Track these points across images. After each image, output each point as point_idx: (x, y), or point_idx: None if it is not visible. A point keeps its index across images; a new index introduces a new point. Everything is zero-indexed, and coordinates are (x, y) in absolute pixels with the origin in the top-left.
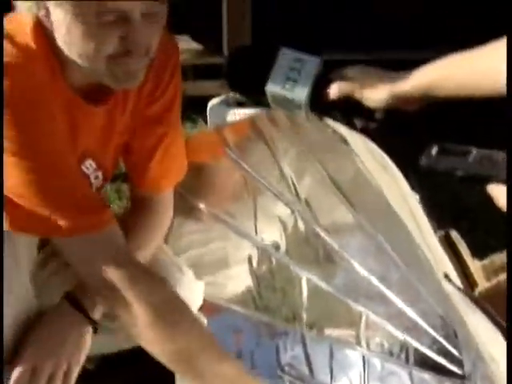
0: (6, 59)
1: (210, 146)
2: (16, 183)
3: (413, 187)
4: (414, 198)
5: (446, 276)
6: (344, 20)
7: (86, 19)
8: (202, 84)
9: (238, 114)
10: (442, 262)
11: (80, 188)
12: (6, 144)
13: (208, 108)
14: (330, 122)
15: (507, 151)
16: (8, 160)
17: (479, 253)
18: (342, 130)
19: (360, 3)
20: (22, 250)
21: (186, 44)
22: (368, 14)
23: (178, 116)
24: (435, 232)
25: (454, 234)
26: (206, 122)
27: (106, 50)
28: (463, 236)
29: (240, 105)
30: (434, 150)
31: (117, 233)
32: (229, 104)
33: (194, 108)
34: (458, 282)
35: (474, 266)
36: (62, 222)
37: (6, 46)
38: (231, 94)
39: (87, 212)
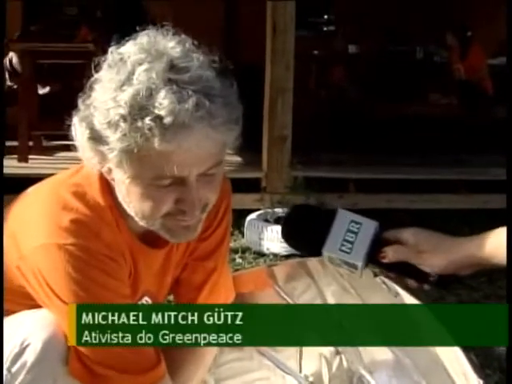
0: (76, 216)
1: (256, 279)
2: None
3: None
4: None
5: None
6: None
7: (143, 182)
8: (240, 197)
9: (275, 231)
10: None
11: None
12: (66, 296)
13: (246, 222)
14: (384, 279)
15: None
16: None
17: None
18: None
19: None
20: None
21: (226, 156)
22: None
23: (227, 250)
24: None
25: None
26: (243, 236)
27: (162, 211)
28: None
29: (278, 221)
30: None
31: None
32: (267, 220)
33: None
34: None
35: None
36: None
37: (76, 203)
38: (269, 210)
39: (144, 371)
